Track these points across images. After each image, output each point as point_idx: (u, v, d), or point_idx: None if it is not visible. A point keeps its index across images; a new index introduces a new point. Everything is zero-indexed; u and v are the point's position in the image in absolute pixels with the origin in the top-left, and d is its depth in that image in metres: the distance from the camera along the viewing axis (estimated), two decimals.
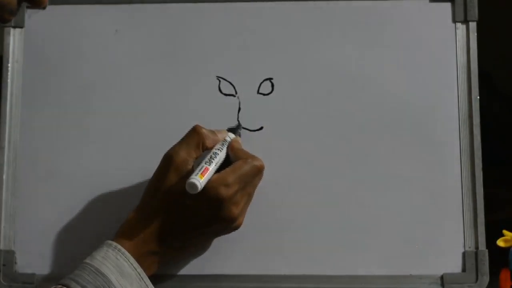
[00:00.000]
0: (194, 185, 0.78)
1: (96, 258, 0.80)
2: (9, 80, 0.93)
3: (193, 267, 0.89)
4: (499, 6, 1.26)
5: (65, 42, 0.93)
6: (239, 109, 0.92)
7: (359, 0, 0.92)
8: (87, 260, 0.81)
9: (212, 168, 0.81)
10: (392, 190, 0.89)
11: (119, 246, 0.81)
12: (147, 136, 0.91)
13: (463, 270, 0.88)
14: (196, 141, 0.83)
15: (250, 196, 0.85)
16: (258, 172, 0.84)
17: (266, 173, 0.88)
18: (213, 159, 0.82)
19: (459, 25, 0.92)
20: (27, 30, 0.94)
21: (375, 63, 0.91)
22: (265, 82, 0.92)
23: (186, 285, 0.88)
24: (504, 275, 0.90)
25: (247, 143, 0.90)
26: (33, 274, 0.89)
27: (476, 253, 0.88)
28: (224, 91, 0.92)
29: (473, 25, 0.91)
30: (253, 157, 0.84)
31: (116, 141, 0.91)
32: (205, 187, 0.79)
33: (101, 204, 0.90)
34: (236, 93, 0.92)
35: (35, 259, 0.90)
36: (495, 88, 1.39)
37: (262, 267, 0.88)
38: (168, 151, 0.83)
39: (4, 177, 0.91)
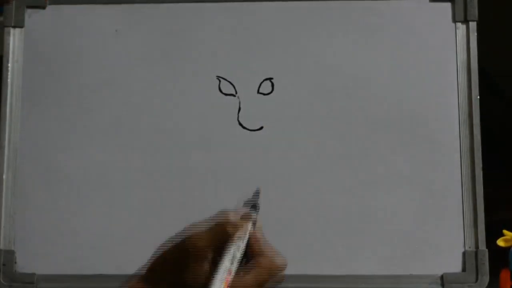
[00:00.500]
0: None
1: None
2: (9, 80, 0.93)
3: None
4: (499, 6, 1.26)
5: (65, 42, 0.93)
6: (239, 109, 0.92)
7: (359, 0, 0.92)
8: None
9: (232, 274, 0.77)
10: (392, 190, 0.89)
11: None
12: (147, 136, 0.91)
13: (463, 270, 0.88)
14: (219, 231, 0.79)
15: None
16: (279, 272, 0.80)
17: (265, 173, 0.88)
18: (233, 262, 0.78)
19: (459, 25, 0.92)
20: (27, 30, 0.94)
21: (375, 63, 0.91)
22: (265, 82, 0.92)
23: None
24: (504, 275, 0.90)
25: (247, 143, 0.90)
26: (33, 274, 0.89)
27: (476, 253, 0.88)
28: (224, 91, 0.92)
29: (473, 25, 0.91)
30: (277, 257, 0.80)
31: (116, 141, 0.91)
32: None
33: (101, 204, 0.90)
34: (236, 93, 0.92)
35: (35, 259, 0.90)
36: (495, 88, 1.39)
37: None
38: (191, 235, 0.80)
39: (4, 177, 0.91)
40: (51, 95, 0.93)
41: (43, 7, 0.94)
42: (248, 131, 0.91)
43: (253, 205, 0.86)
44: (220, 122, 0.91)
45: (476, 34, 0.91)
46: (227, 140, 0.91)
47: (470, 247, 0.88)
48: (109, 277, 0.89)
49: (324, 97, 0.91)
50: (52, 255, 0.90)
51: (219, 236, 0.79)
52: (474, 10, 0.92)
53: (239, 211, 0.83)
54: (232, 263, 0.78)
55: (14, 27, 0.94)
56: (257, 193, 0.87)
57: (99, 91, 0.93)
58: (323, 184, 0.90)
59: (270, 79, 0.92)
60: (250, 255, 0.81)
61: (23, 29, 0.94)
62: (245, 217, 0.82)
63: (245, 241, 0.80)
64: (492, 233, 0.89)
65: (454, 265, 0.88)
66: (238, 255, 0.79)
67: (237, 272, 0.78)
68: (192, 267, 0.78)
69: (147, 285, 0.81)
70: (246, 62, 0.92)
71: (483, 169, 0.89)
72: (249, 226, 0.82)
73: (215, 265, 0.77)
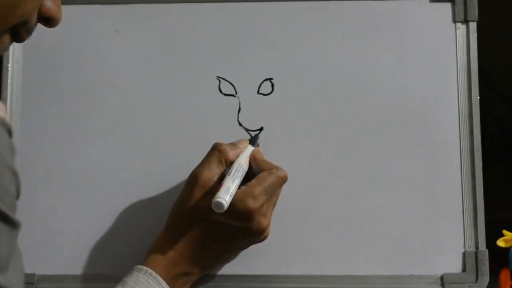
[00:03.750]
0: (220, 204, 0.78)
1: (127, 283, 0.80)
2: (9, 80, 0.93)
3: None
4: (499, 6, 1.26)
5: (65, 42, 0.93)
6: (239, 109, 0.92)
7: (359, 0, 0.92)
8: (119, 286, 0.80)
9: (236, 182, 0.81)
10: (392, 190, 0.89)
11: (150, 270, 0.81)
12: (147, 136, 0.91)
13: (463, 270, 0.88)
14: (217, 158, 0.83)
15: (274, 205, 0.85)
16: (282, 182, 0.85)
17: None
18: (237, 173, 0.82)
19: (459, 25, 0.92)
20: None
21: (375, 63, 0.91)
22: (265, 82, 0.92)
23: None
24: (504, 275, 0.90)
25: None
26: (33, 274, 0.89)
27: (476, 253, 0.88)
28: (224, 91, 0.92)
29: (473, 25, 0.91)
30: (277, 168, 0.84)
31: (116, 141, 0.91)
32: (233, 201, 0.79)
33: (101, 204, 0.90)
34: (236, 93, 0.92)
35: (35, 259, 0.90)
36: (495, 88, 1.39)
37: (262, 267, 0.88)
38: (192, 172, 0.84)
39: None
40: (51, 95, 0.93)
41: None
42: (248, 131, 0.91)
43: (257, 132, 0.90)
44: (220, 122, 0.91)
45: (476, 34, 0.91)
46: (227, 140, 0.90)
47: (470, 247, 0.88)
48: (109, 277, 0.89)
49: (324, 97, 0.91)
50: (52, 255, 0.90)
51: (219, 162, 0.83)
52: (474, 10, 0.92)
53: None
54: (235, 178, 0.81)
55: None
56: (260, 129, 0.90)
57: (99, 91, 0.92)
58: (323, 184, 0.90)
59: (270, 79, 0.92)
60: (252, 173, 0.84)
61: None
62: (244, 141, 0.87)
63: (246, 159, 0.84)
64: (492, 233, 0.89)
65: (454, 265, 0.88)
66: (241, 172, 0.82)
67: (243, 184, 0.82)
68: (201, 197, 0.81)
69: (169, 232, 0.83)
70: (246, 62, 0.92)
71: (483, 169, 0.89)
72: (249, 148, 0.86)
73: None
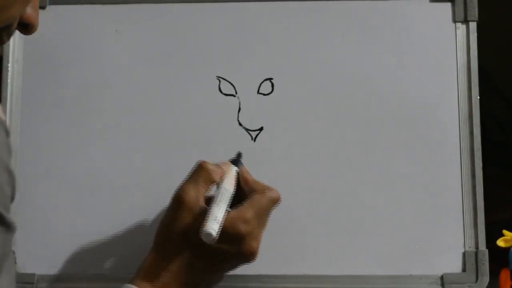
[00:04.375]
0: (209, 235, 0.76)
1: None
2: (9, 80, 0.93)
3: None
4: (499, 6, 1.26)
5: (65, 42, 0.93)
6: (239, 109, 0.92)
7: (359, 0, 0.92)
8: None
9: (223, 208, 0.78)
10: (392, 190, 0.89)
11: None
12: (147, 136, 0.91)
13: (463, 270, 0.88)
14: (203, 178, 0.81)
15: (265, 225, 0.83)
16: (275, 204, 0.82)
17: (265, 174, 0.88)
18: (222, 198, 0.79)
19: (459, 25, 0.92)
20: None
21: (375, 63, 0.91)
22: (265, 82, 0.92)
23: None
24: (504, 275, 0.90)
25: (248, 143, 0.90)
26: (33, 274, 0.89)
27: (476, 253, 0.88)
28: (224, 91, 0.92)
29: (473, 25, 0.91)
30: (270, 189, 0.82)
31: (116, 141, 0.91)
32: (224, 226, 0.78)
33: (101, 204, 0.90)
34: (236, 93, 0.92)
35: (35, 259, 0.90)
36: (495, 88, 1.39)
37: (262, 267, 0.88)
38: (177, 191, 0.81)
39: None
40: (51, 95, 0.93)
41: (43, 7, 0.94)
42: (248, 131, 0.91)
43: (237, 155, 0.87)
44: (220, 122, 0.91)
45: (476, 34, 0.91)
46: (227, 140, 0.91)
47: (470, 247, 0.88)
48: (109, 277, 0.89)
49: (324, 97, 0.91)
50: (52, 255, 0.90)
51: (205, 182, 0.81)
52: (474, 10, 0.92)
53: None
54: (222, 204, 0.79)
55: None
56: (239, 155, 0.87)
57: (99, 91, 0.93)
58: (323, 184, 0.90)
59: (270, 79, 0.92)
60: (242, 195, 0.82)
61: None
62: (226, 164, 0.84)
63: (232, 181, 0.82)
64: (492, 233, 0.89)
65: (454, 265, 0.88)
66: (227, 196, 0.80)
67: (234, 208, 0.80)
68: (188, 220, 0.79)
69: (158, 253, 0.81)
70: (246, 62, 0.92)
71: (483, 169, 0.89)
72: (233, 169, 0.83)
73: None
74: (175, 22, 0.93)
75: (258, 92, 0.92)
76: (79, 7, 0.94)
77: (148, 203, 0.90)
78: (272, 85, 0.92)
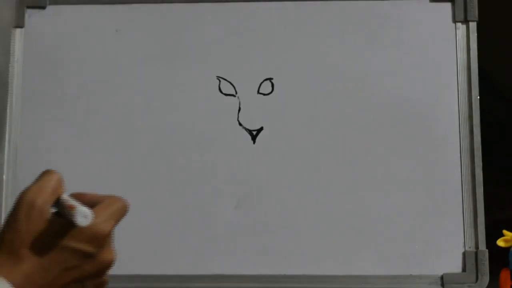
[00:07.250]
0: (86, 213, 0.68)
1: None
2: (9, 80, 0.93)
3: (193, 267, 0.89)
4: (499, 6, 1.26)
5: (65, 42, 0.93)
6: (239, 109, 0.92)
7: (359, 0, 0.92)
8: None
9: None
10: (392, 190, 0.89)
11: None
12: (147, 135, 0.91)
13: (463, 270, 0.88)
14: (54, 184, 0.73)
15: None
16: (126, 210, 0.74)
17: (265, 173, 0.88)
18: (72, 200, 0.71)
19: (459, 25, 0.92)
20: (27, 30, 0.94)
21: (375, 63, 0.91)
22: (265, 82, 0.92)
23: (186, 285, 0.88)
24: (504, 275, 0.90)
25: (248, 143, 0.90)
26: None
27: (476, 253, 0.88)
28: (224, 91, 0.92)
29: (473, 25, 0.91)
30: (117, 196, 0.74)
31: (116, 141, 0.91)
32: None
33: None
34: (236, 93, 0.92)
35: None
36: (495, 88, 1.39)
37: (262, 267, 0.88)
38: (25, 193, 0.72)
39: (4, 177, 0.91)
40: (51, 95, 0.93)
41: (43, 7, 0.94)
42: (248, 131, 0.91)
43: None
44: (220, 122, 0.91)
45: (476, 34, 0.91)
46: (227, 140, 0.91)
47: (470, 247, 0.88)
48: (109, 277, 0.89)
49: (324, 97, 0.91)
50: None
51: (54, 189, 0.73)
52: (474, 10, 0.92)
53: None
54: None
55: (15, 27, 0.94)
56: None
57: (99, 91, 0.93)
58: (323, 184, 0.90)
59: (270, 79, 0.92)
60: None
61: (23, 29, 0.94)
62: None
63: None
64: (492, 233, 0.89)
65: (454, 265, 0.88)
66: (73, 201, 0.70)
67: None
68: (47, 223, 0.70)
69: (12, 257, 0.70)
70: (246, 62, 0.92)
71: (483, 169, 0.89)
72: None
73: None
74: (175, 22, 0.93)
75: (258, 92, 0.92)
76: (79, 7, 0.94)
77: (148, 203, 0.90)
78: (272, 85, 0.92)
